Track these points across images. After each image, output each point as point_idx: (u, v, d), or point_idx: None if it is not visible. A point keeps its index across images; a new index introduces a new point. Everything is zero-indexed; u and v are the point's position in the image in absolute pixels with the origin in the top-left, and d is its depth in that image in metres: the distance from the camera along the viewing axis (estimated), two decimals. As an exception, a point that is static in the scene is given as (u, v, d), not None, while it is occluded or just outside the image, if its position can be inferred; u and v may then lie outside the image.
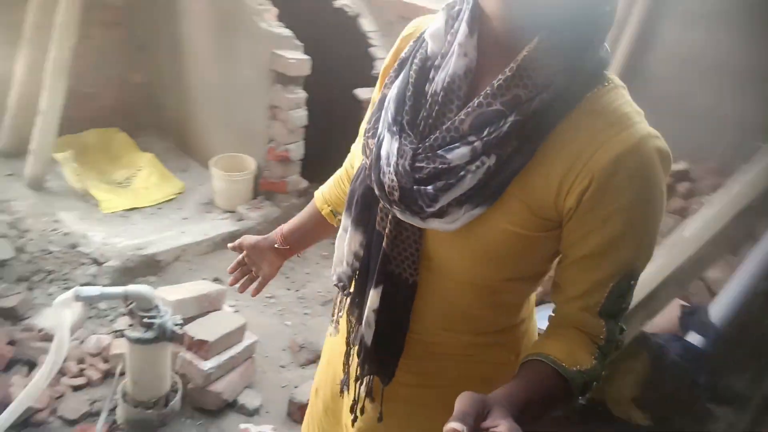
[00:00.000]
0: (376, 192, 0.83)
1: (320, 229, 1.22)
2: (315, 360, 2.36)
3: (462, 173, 0.74)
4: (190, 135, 3.85)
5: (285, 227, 1.24)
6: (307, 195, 3.33)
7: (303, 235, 1.23)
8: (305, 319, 2.75)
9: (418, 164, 0.77)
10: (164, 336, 1.85)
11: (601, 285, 0.78)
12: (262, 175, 3.35)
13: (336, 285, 0.97)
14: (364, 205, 0.88)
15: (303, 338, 2.53)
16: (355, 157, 1.04)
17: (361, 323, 0.93)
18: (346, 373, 1.03)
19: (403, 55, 0.86)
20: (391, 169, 0.79)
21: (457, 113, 0.76)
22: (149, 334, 1.85)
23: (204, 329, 2.14)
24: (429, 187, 0.75)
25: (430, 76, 0.80)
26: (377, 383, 0.97)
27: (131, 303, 1.87)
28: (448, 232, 0.79)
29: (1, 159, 3.37)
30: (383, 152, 0.81)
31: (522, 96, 0.72)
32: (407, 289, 0.87)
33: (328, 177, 1.20)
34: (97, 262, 2.67)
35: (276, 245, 1.22)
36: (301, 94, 3.15)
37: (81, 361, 2.21)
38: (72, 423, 1.98)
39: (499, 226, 0.76)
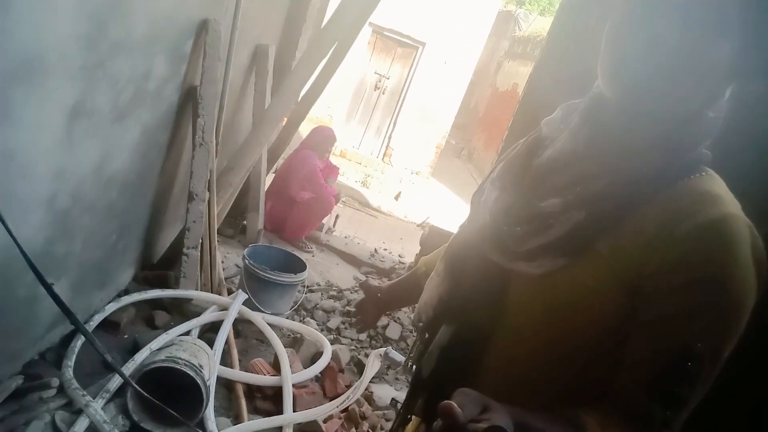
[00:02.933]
0: (470, 227, 0.91)
1: (412, 292, 1.23)
2: None
3: (551, 221, 0.79)
4: None
5: (391, 281, 1.33)
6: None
7: (398, 292, 1.29)
8: None
9: (513, 212, 0.84)
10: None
11: (655, 357, 0.72)
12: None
13: (414, 324, 1.01)
14: (459, 255, 0.94)
15: None
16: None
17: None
18: (397, 415, 1.02)
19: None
20: (487, 210, 0.88)
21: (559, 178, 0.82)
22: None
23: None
24: (518, 229, 0.82)
25: (539, 153, 0.89)
26: None
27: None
28: (531, 278, 0.81)
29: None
30: (483, 199, 0.91)
31: (619, 165, 0.77)
32: (477, 337, 0.87)
33: None
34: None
35: (378, 294, 1.31)
36: None
37: (374, 428, 2.52)
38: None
39: (579, 280, 0.76)
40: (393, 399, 2.67)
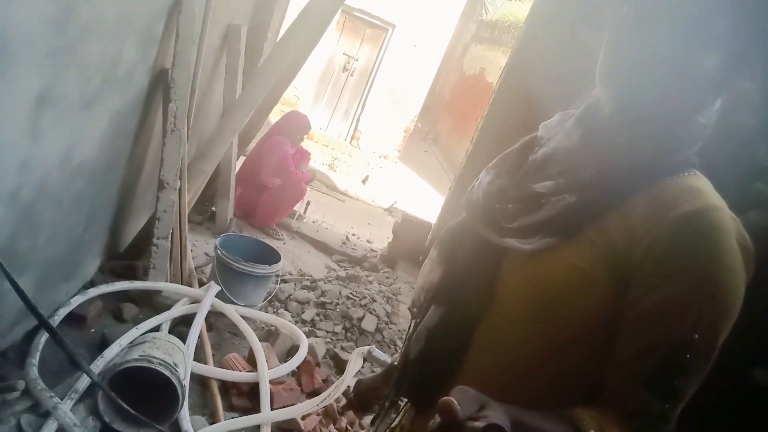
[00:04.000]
0: (464, 211, 0.93)
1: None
2: None
3: (542, 201, 0.81)
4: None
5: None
6: None
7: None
8: None
9: (506, 192, 0.88)
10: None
11: (651, 350, 0.71)
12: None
13: (409, 309, 1.01)
14: (452, 239, 0.96)
15: None
16: None
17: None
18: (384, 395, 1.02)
19: None
20: (480, 190, 0.92)
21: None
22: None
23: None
24: (510, 206, 0.85)
25: (535, 149, 0.92)
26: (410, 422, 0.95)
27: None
28: (521, 257, 0.82)
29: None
30: (476, 182, 0.94)
31: (609, 155, 0.80)
32: (467, 320, 0.87)
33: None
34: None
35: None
36: None
37: (352, 423, 2.51)
38: (309, 455, 2.26)
39: (567, 260, 0.77)
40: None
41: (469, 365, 0.87)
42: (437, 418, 0.55)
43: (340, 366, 2.83)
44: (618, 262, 0.74)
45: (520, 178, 0.88)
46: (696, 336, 0.69)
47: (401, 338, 3.17)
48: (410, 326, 1.01)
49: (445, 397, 0.55)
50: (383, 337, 3.09)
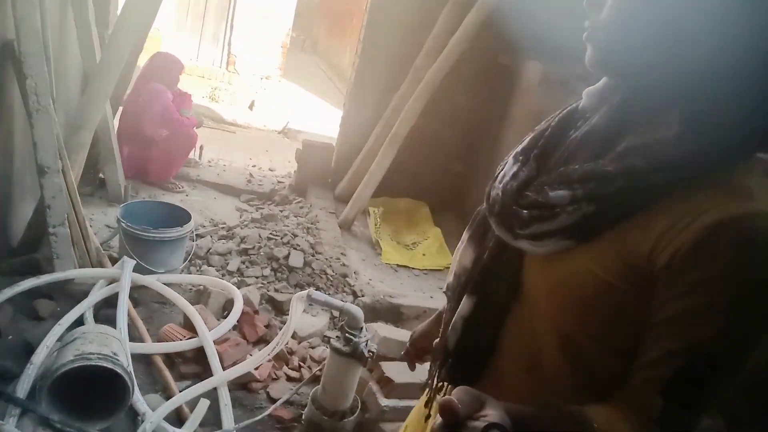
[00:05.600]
0: (484, 204, 0.90)
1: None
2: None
3: (558, 211, 0.75)
4: (481, 225, 4.13)
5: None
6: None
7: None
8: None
9: (525, 192, 0.82)
10: (355, 354, 2.07)
11: (672, 357, 0.68)
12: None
13: (444, 292, 1.02)
14: (482, 224, 0.94)
15: None
16: None
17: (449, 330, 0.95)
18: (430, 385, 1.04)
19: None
20: (501, 185, 0.87)
21: (581, 163, 0.78)
22: (345, 348, 2.09)
23: (396, 371, 2.28)
24: (524, 212, 0.80)
25: (578, 124, 0.84)
26: None
27: (344, 318, 2.17)
28: (538, 258, 0.80)
29: (338, 203, 4.25)
30: (501, 173, 0.89)
31: (637, 166, 0.71)
32: (499, 308, 0.88)
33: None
34: (354, 294, 3.12)
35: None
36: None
37: (303, 360, 2.60)
38: (273, 401, 2.34)
39: (584, 265, 0.74)
40: (325, 336, 2.76)
41: (501, 356, 0.89)
42: (439, 418, 0.55)
43: (278, 308, 2.87)
44: (639, 267, 0.70)
45: (553, 165, 0.83)
46: (720, 349, 0.67)
47: (330, 266, 3.24)
48: (446, 310, 1.00)
49: (446, 397, 0.56)
50: (313, 270, 3.14)
